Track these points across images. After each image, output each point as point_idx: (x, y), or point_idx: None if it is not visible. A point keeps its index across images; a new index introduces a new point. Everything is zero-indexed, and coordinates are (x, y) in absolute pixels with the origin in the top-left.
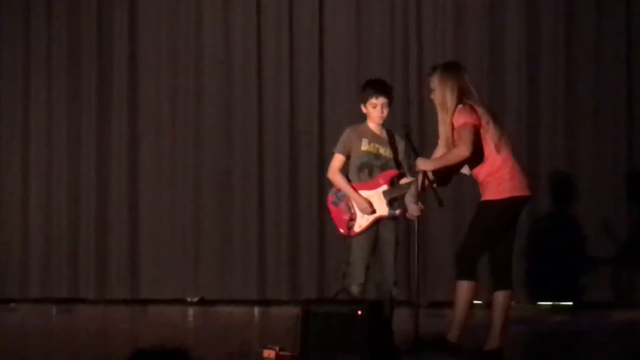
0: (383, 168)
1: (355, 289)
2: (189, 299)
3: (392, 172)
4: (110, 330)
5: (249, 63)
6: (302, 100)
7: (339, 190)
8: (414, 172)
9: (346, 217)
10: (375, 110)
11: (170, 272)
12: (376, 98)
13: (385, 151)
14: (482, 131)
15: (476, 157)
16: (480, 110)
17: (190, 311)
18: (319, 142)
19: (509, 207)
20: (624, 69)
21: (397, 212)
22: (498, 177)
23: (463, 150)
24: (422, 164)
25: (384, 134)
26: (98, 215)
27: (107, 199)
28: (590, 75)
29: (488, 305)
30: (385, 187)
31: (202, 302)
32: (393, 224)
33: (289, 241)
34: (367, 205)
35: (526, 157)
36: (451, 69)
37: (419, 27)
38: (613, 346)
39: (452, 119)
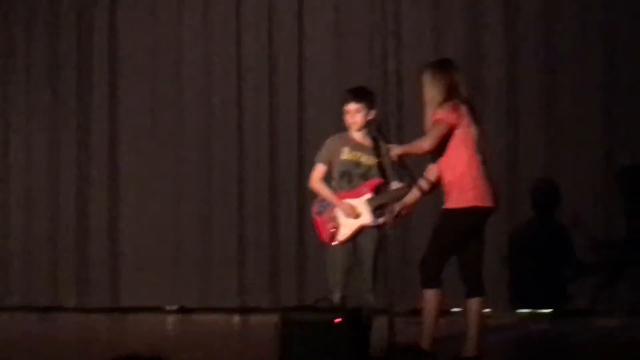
0: (364, 176)
1: (335, 297)
2: (168, 307)
3: (376, 180)
4: (90, 338)
5: (229, 69)
6: (282, 107)
7: (323, 200)
8: (382, 161)
9: (330, 226)
10: (347, 116)
11: (150, 281)
12: (346, 104)
13: (367, 159)
14: (458, 131)
15: (444, 155)
16: (463, 109)
17: (170, 319)
18: (299, 150)
19: (470, 217)
20: (603, 70)
21: (381, 220)
22: (461, 184)
23: (423, 144)
24: (393, 149)
25: (368, 142)
26: (78, 224)
27: (87, 207)
28: (570, 76)
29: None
30: (369, 195)
31: (182, 310)
32: (374, 232)
33: (269, 249)
34: (352, 211)
35: (505, 164)
36: (441, 66)
37: (398, 28)
38: (592, 353)
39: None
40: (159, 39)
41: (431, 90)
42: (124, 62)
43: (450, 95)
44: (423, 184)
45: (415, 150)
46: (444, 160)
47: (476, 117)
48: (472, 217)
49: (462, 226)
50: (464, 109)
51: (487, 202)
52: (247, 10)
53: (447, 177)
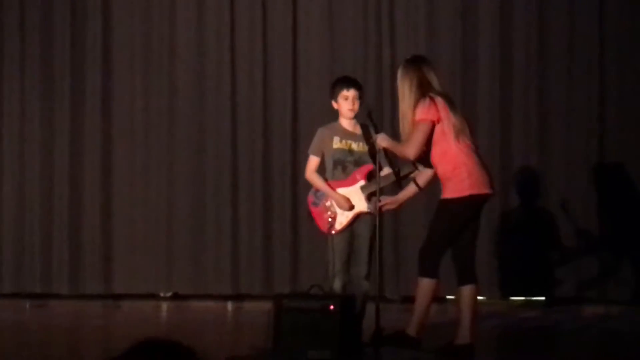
0: (357, 163)
1: (337, 285)
2: (162, 294)
3: (369, 166)
4: (84, 325)
5: (222, 60)
6: (276, 96)
7: (317, 190)
8: (373, 147)
9: (326, 216)
10: (346, 102)
11: (143, 267)
12: (347, 90)
13: (358, 146)
14: (440, 125)
15: (433, 150)
16: (440, 103)
17: (164, 306)
18: (292, 138)
19: (468, 205)
20: (596, 65)
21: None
22: (456, 174)
23: (408, 152)
24: (380, 140)
25: (358, 129)
26: (71, 211)
27: (80, 194)
28: (562, 71)
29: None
30: (362, 183)
31: (176, 297)
32: (370, 218)
33: (262, 236)
34: (345, 202)
35: (498, 153)
36: (411, 63)
37: (392, 23)
38: (584, 341)
39: (413, 112)
40: (152, 29)
41: (402, 88)
42: (117, 51)
43: (423, 90)
44: (411, 188)
45: (400, 154)
46: (434, 155)
47: (454, 107)
48: (469, 205)
49: (459, 215)
50: (440, 101)
51: (483, 189)
52: (241, 1)
53: (441, 170)
